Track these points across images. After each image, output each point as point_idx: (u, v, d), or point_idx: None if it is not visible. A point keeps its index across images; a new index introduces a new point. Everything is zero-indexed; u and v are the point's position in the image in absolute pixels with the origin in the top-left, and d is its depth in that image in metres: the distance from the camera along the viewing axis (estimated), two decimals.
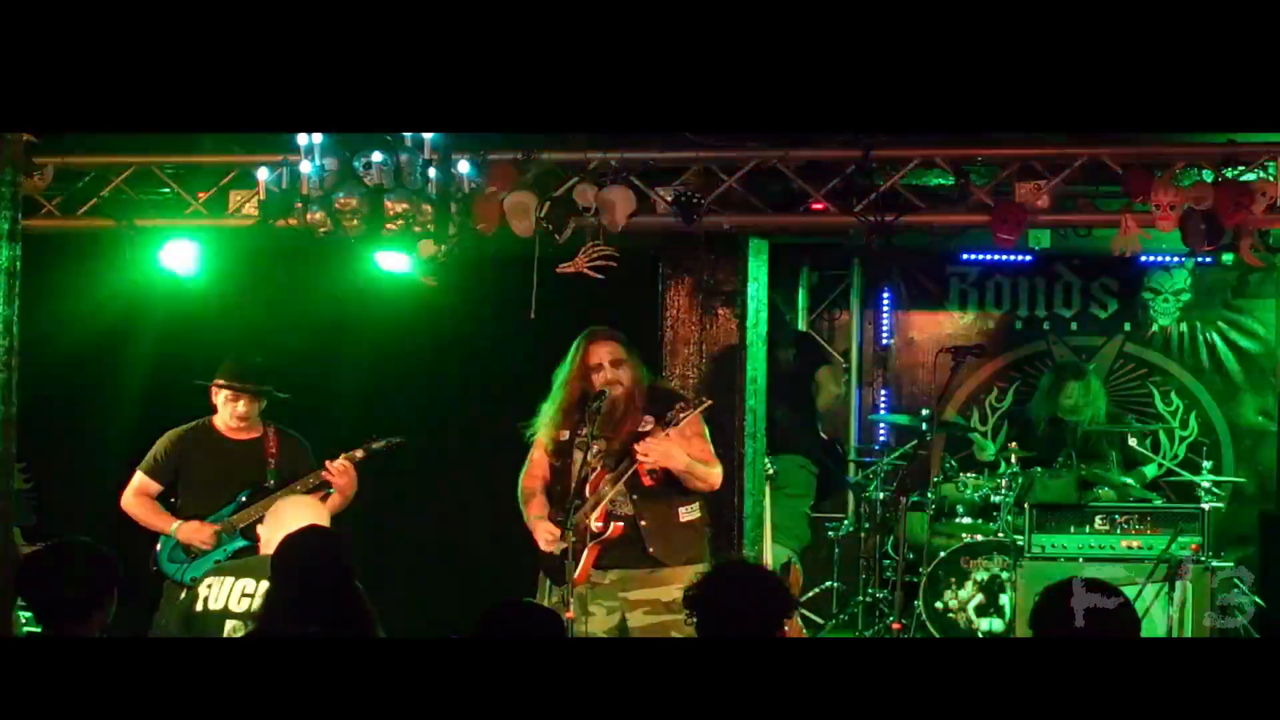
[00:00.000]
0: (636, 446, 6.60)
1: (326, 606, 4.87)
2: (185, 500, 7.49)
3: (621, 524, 6.69)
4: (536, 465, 6.96)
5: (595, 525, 6.65)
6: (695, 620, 4.51)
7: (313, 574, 5.00)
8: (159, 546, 7.41)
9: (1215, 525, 8.27)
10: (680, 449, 6.66)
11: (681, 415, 6.63)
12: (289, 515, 6.03)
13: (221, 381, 7.48)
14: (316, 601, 4.89)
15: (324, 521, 6.09)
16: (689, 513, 6.82)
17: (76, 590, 4.61)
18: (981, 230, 7.36)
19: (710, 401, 6.88)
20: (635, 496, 6.71)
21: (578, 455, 6.76)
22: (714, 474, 6.84)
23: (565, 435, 6.85)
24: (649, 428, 6.67)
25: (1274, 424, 9.98)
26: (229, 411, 7.49)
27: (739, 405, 7.76)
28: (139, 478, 7.53)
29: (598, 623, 6.72)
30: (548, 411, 6.91)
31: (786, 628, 4.59)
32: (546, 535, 6.67)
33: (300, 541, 5.22)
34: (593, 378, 6.79)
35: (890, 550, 9.41)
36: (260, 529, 6.33)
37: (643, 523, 6.71)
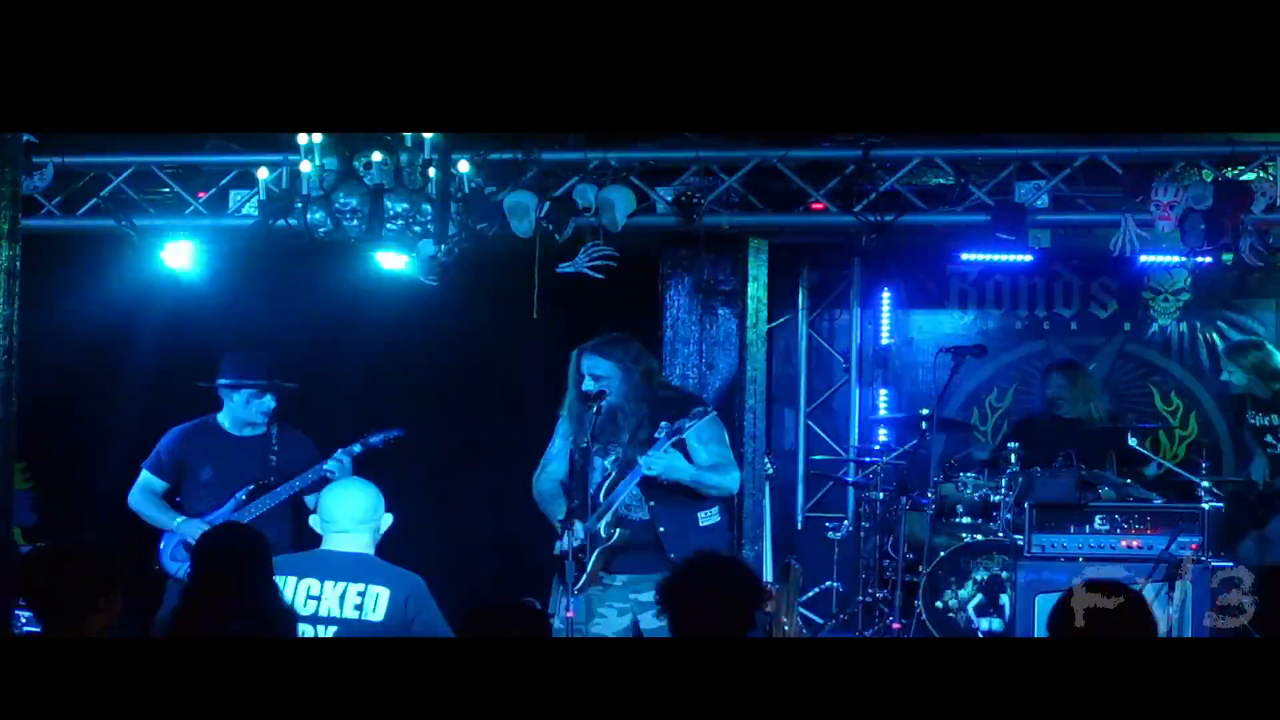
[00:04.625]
0: (639, 460, 6.58)
1: (246, 603, 4.85)
2: (189, 497, 7.47)
3: (630, 531, 6.68)
4: (555, 465, 6.95)
5: (605, 532, 6.65)
6: (666, 617, 4.44)
7: (233, 571, 4.96)
8: (161, 545, 7.40)
9: (1215, 525, 8.26)
10: (684, 460, 6.65)
11: (687, 427, 6.62)
12: (341, 499, 5.97)
13: (249, 381, 7.40)
14: (235, 598, 4.87)
15: (378, 499, 5.98)
16: (708, 518, 6.80)
17: (77, 590, 4.59)
18: (981, 230, 7.36)
19: (713, 411, 6.86)
20: (652, 503, 6.70)
21: (595, 461, 6.76)
22: (728, 481, 6.82)
23: (584, 441, 6.82)
24: (661, 435, 6.66)
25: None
26: (254, 409, 7.43)
27: (739, 405, 7.76)
28: (144, 475, 7.52)
29: (608, 625, 6.71)
30: (563, 415, 6.92)
31: (772, 611, 4.50)
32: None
33: (219, 538, 5.23)
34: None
35: (890, 550, 9.40)
36: (313, 519, 6.22)
37: (661, 528, 6.69)
